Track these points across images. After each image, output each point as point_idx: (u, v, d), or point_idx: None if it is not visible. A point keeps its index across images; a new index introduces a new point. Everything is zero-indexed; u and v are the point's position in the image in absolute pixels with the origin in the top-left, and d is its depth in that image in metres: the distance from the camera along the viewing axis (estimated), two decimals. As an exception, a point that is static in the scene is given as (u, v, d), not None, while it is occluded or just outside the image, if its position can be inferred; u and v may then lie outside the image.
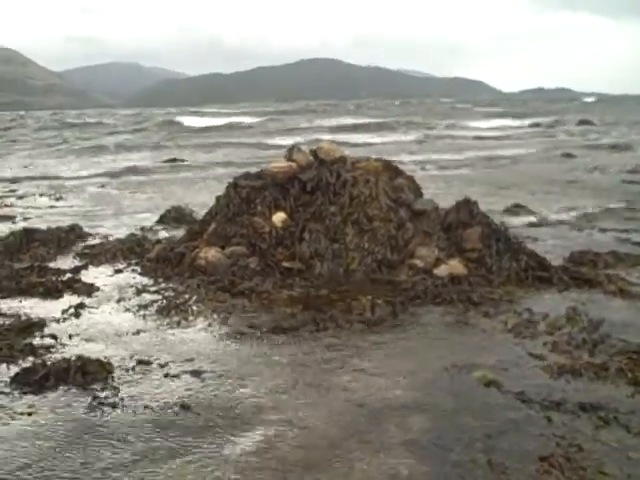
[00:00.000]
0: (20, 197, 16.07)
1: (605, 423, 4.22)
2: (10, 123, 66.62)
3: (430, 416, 4.31)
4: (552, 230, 10.63)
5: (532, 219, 11.54)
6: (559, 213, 12.14)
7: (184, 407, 4.49)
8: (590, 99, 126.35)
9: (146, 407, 4.52)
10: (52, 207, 14.46)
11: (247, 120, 57.28)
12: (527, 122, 49.15)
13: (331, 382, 4.91)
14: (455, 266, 7.71)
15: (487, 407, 4.45)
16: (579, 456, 3.80)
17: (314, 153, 8.93)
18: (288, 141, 25.85)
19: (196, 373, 5.08)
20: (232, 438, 4.06)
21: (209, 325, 6.30)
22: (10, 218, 12.64)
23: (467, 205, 8.62)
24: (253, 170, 9.28)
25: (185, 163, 24.12)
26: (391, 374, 5.04)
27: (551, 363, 5.18)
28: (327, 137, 30.02)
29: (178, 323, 6.34)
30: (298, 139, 29.49)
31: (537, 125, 46.58)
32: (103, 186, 18.34)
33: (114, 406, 4.55)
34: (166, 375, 5.05)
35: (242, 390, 4.77)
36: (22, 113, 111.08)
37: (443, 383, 4.86)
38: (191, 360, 5.34)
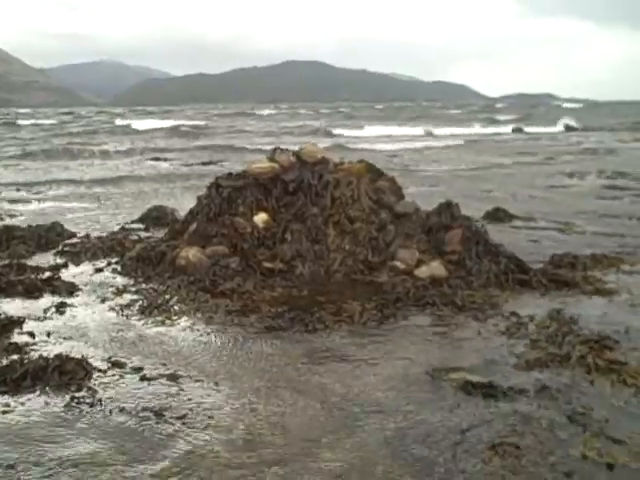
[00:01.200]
0: None
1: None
2: None
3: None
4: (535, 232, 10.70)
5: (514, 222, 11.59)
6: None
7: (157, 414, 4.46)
8: (571, 105, 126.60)
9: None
10: None
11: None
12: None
13: (310, 383, 4.93)
14: (436, 268, 7.74)
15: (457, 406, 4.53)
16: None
17: (297, 154, 8.93)
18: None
19: (172, 377, 5.03)
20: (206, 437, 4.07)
21: (193, 324, 6.28)
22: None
23: (448, 208, 8.66)
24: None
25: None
26: (371, 376, 5.06)
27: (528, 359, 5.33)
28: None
29: (162, 322, 6.32)
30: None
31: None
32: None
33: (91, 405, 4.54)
34: (142, 378, 5.01)
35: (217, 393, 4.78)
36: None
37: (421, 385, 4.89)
38: (168, 363, 5.32)
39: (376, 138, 38.16)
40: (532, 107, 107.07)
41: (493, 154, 26.84)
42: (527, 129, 47.26)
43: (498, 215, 11.82)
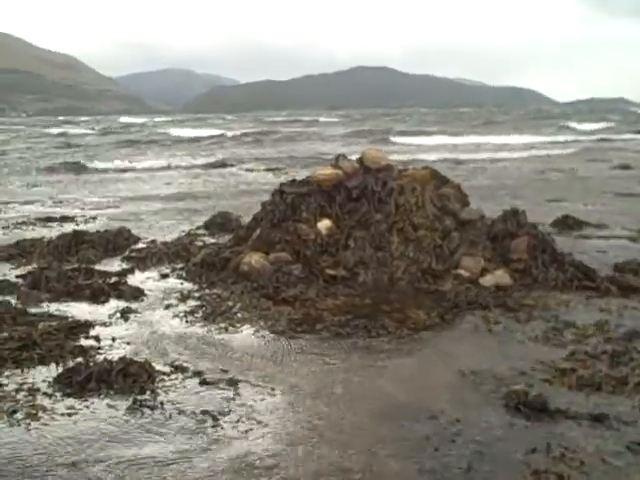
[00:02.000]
0: None
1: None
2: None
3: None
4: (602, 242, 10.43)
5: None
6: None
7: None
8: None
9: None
10: None
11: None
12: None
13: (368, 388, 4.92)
14: (501, 276, 7.62)
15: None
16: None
17: (360, 161, 8.90)
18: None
19: (231, 382, 5.07)
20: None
21: (255, 331, 6.31)
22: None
23: (514, 215, 8.52)
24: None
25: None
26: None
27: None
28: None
29: (226, 329, 6.37)
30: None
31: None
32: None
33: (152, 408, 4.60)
34: (202, 382, 5.07)
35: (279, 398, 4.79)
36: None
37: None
38: (229, 369, 5.36)
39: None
40: (608, 112, 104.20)
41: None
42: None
43: (567, 222, 11.57)
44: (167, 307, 7.12)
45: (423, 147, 35.73)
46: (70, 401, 4.74)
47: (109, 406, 4.65)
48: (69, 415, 4.52)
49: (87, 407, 4.64)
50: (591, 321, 6.38)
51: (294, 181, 9.12)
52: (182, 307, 7.09)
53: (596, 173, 21.29)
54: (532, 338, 6.01)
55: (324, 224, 8.33)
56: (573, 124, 61.47)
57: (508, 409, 4.56)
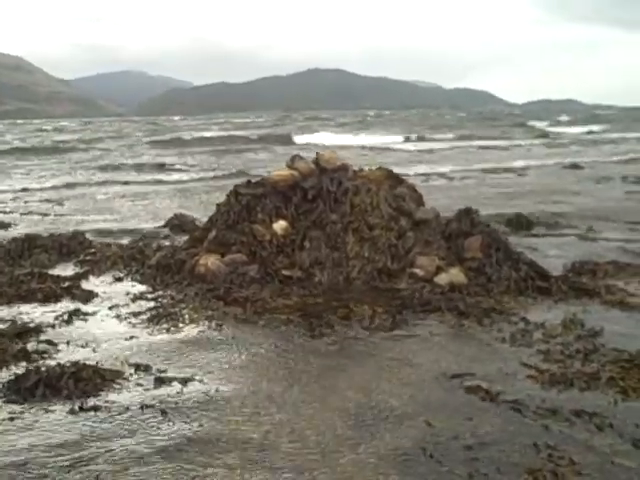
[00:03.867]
0: None
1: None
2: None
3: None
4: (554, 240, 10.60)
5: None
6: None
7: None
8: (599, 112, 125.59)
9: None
10: None
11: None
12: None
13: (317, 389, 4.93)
14: (455, 275, 7.69)
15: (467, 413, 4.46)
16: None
17: (316, 161, 8.92)
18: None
19: (183, 380, 5.06)
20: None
21: (200, 332, 6.28)
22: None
23: (468, 214, 8.61)
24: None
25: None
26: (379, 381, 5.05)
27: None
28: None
29: (167, 330, 6.33)
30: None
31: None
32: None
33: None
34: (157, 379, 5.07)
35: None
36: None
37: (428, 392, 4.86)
38: (179, 367, 5.35)
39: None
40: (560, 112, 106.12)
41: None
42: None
43: (520, 221, 11.73)
44: (116, 309, 7.06)
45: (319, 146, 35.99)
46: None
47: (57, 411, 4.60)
48: (10, 420, 4.45)
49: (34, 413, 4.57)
50: (557, 321, 6.43)
51: (249, 182, 9.09)
52: (133, 309, 7.04)
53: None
54: (498, 339, 6.04)
55: (280, 225, 8.32)
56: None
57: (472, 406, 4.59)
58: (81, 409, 4.58)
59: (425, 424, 4.28)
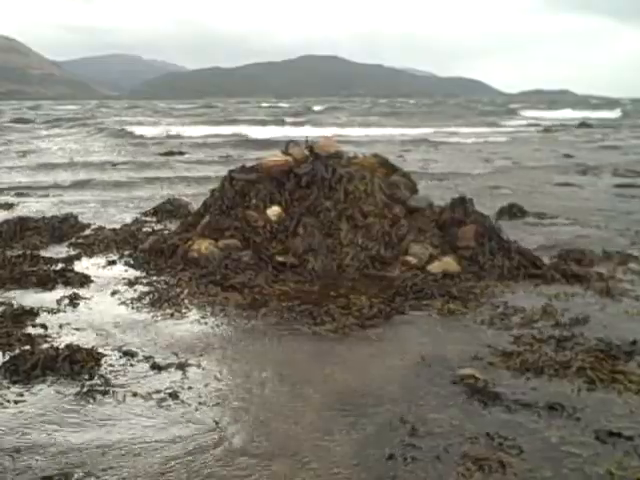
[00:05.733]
0: None
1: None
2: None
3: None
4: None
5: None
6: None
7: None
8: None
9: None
10: None
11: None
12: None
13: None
14: (448, 263, 7.71)
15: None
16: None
17: (310, 148, 8.91)
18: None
19: (181, 365, 5.07)
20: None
21: (202, 317, 6.29)
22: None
23: (462, 203, 8.62)
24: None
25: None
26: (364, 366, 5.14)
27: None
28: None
29: (172, 315, 6.32)
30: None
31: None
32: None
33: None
34: (153, 366, 5.07)
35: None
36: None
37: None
38: (177, 353, 5.35)
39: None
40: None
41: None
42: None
43: (512, 211, 11.75)
44: (114, 294, 7.03)
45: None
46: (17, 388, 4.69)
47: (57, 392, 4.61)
48: (15, 403, 4.46)
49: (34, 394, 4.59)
50: (538, 307, 6.50)
51: (243, 167, 9.08)
52: (129, 294, 7.02)
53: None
54: (479, 322, 6.12)
55: (273, 211, 8.32)
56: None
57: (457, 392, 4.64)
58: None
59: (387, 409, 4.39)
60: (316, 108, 74.98)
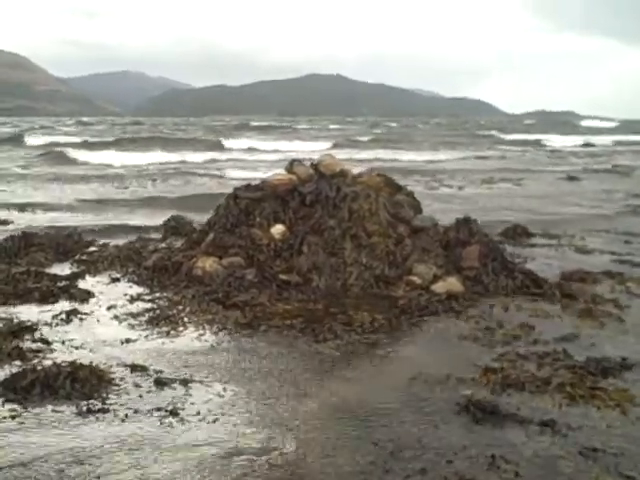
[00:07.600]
0: None
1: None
2: None
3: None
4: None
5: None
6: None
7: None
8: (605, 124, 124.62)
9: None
10: None
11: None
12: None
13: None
14: (452, 284, 7.69)
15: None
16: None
17: (315, 167, 8.92)
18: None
19: (184, 382, 5.07)
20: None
21: (200, 335, 6.26)
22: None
23: (467, 223, 8.62)
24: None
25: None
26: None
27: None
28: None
29: (167, 333, 6.30)
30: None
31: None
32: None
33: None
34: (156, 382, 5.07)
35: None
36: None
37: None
38: (178, 369, 5.35)
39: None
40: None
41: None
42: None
43: (516, 231, 11.74)
44: (113, 309, 7.04)
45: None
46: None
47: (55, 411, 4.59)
48: (12, 418, 4.45)
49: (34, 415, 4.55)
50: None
51: (248, 185, 9.09)
52: (130, 310, 7.01)
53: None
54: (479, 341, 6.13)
55: (278, 229, 8.32)
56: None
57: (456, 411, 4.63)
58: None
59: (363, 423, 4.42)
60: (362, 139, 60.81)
